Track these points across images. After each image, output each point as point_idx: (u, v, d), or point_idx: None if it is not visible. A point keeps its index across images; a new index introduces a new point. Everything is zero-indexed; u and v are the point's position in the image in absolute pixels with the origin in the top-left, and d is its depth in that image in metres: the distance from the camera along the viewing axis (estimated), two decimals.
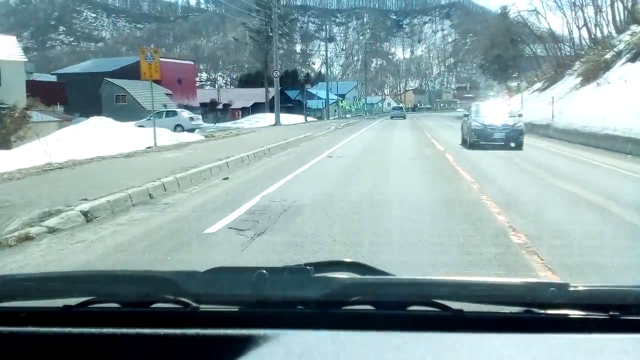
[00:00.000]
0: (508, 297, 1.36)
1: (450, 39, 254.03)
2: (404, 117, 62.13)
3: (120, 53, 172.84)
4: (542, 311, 1.31)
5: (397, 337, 1.21)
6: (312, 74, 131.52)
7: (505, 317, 1.33)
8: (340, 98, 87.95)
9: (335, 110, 77.75)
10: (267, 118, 42.05)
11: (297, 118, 48.69)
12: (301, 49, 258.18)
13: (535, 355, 1.15)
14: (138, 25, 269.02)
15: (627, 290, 1.39)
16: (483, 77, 74.83)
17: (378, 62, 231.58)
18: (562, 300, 1.31)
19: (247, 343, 1.19)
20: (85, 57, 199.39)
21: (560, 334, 1.22)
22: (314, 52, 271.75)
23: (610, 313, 1.29)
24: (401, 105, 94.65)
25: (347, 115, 76.57)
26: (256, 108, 57.71)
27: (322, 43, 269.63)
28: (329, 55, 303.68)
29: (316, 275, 1.37)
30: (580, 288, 1.35)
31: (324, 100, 78.00)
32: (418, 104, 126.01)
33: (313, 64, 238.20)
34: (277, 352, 1.16)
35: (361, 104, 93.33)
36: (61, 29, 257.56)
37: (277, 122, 37.10)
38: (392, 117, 62.17)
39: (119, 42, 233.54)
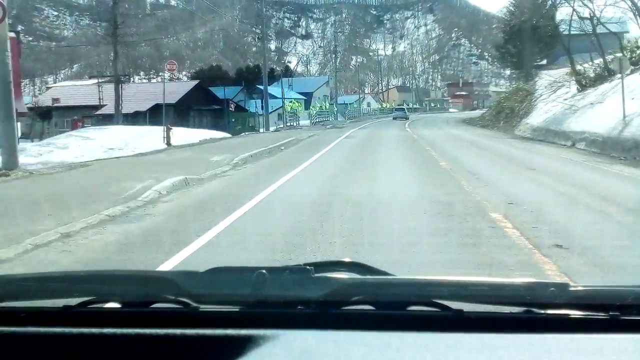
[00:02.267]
0: (508, 297, 1.35)
1: (433, 35, 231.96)
2: (407, 118, 59.01)
3: (79, 52, 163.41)
4: (542, 311, 1.30)
5: (397, 337, 1.20)
6: (280, 69, 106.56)
7: (505, 317, 1.31)
8: (303, 97, 62.84)
9: (293, 115, 52.68)
10: (100, 137, 17.47)
11: (182, 135, 23.95)
12: (276, 47, 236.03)
13: (535, 355, 1.13)
14: (103, 24, 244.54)
15: (627, 290, 1.38)
16: (501, 65, 50.94)
17: (358, 60, 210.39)
18: (562, 300, 1.30)
19: (247, 343, 1.18)
20: (43, 57, 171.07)
21: (560, 334, 1.21)
22: (289, 50, 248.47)
23: (610, 313, 1.27)
24: (403, 106, 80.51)
25: (303, 123, 51.14)
26: (153, 113, 33.75)
27: (299, 40, 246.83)
28: (305, 52, 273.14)
29: (316, 275, 1.37)
30: (580, 288, 1.35)
31: (279, 100, 53.08)
32: (404, 104, 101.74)
33: (289, 62, 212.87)
34: (277, 352, 1.15)
35: (325, 106, 67.37)
36: (19, 28, 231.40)
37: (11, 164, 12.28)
38: (394, 118, 60.55)
39: (83, 41, 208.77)
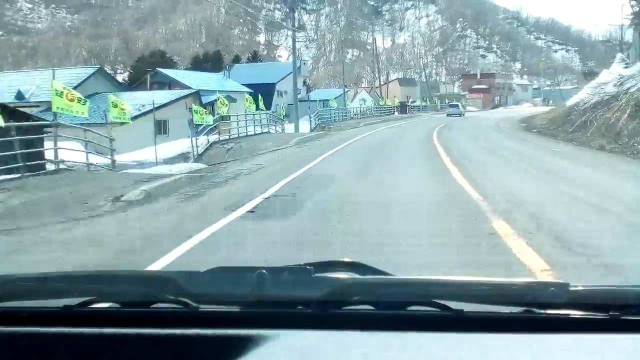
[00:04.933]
0: (508, 297, 1.33)
1: (436, 26, 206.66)
2: (462, 115, 53.16)
3: (52, 46, 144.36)
4: (542, 311, 1.29)
5: (397, 337, 1.20)
6: (249, 54, 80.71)
7: (505, 317, 1.30)
8: (246, 90, 35.45)
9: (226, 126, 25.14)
10: None
11: None
12: (266, 40, 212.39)
13: (535, 355, 1.14)
14: (81, 18, 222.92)
15: (627, 290, 1.39)
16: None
17: (354, 53, 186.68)
18: (562, 300, 1.28)
19: (247, 343, 1.18)
20: (16, 52, 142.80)
21: (560, 334, 1.21)
22: (280, 43, 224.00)
23: (610, 313, 1.27)
24: (457, 103, 65.90)
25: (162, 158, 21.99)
26: None
27: (290, 33, 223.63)
28: (297, 46, 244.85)
29: (316, 275, 1.36)
30: (580, 288, 1.33)
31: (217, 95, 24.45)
32: (409, 100, 74.38)
33: (279, 56, 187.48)
34: (277, 352, 1.16)
35: (260, 105, 35.78)
36: None
37: None
38: (448, 115, 52.81)
39: (58, 34, 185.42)
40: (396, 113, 63.86)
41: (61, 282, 1.50)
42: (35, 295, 1.42)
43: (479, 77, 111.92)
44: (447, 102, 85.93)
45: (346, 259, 1.57)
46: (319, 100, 49.48)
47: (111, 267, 5.65)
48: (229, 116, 28.06)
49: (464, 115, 53.95)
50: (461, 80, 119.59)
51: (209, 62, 74.13)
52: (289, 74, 53.58)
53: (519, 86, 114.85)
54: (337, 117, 46.62)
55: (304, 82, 69.73)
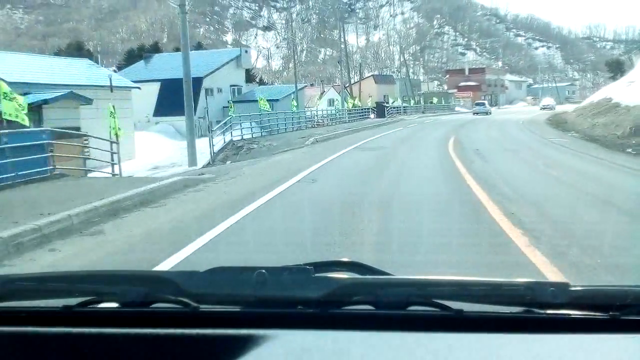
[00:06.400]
0: (508, 297, 1.31)
1: (412, 24, 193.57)
2: (489, 113, 50.82)
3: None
4: (542, 311, 1.27)
5: (397, 337, 1.19)
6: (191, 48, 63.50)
7: (505, 317, 1.29)
8: (128, 86, 18.94)
9: None
10: None
11: None
12: (233, 39, 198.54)
13: (535, 355, 1.13)
14: (39, 18, 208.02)
15: (627, 290, 1.35)
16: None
17: (327, 53, 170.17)
18: (562, 300, 1.27)
19: (247, 343, 1.17)
20: None
21: (560, 334, 1.20)
22: (249, 43, 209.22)
23: (610, 313, 1.25)
24: (484, 101, 58.60)
25: None
26: None
27: (261, 32, 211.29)
28: (267, 46, 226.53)
29: (316, 275, 1.34)
30: (580, 288, 1.32)
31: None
32: (386, 100, 59.59)
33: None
34: (277, 352, 1.15)
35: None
36: None
37: None
38: (474, 114, 50.98)
39: (9, 34, 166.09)
40: (372, 116, 49.32)
41: (61, 282, 1.46)
42: (35, 295, 1.39)
43: (467, 73, 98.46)
44: (431, 102, 71.83)
45: (346, 259, 1.55)
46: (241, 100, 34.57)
47: None
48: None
49: (490, 113, 51.73)
50: (447, 76, 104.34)
51: (150, 53, 60.25)
52: (224, 64, 38.92)
53: (511, 83, 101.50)
54: (284, 125, 31.47)
55: (258, 79, 54.73)
